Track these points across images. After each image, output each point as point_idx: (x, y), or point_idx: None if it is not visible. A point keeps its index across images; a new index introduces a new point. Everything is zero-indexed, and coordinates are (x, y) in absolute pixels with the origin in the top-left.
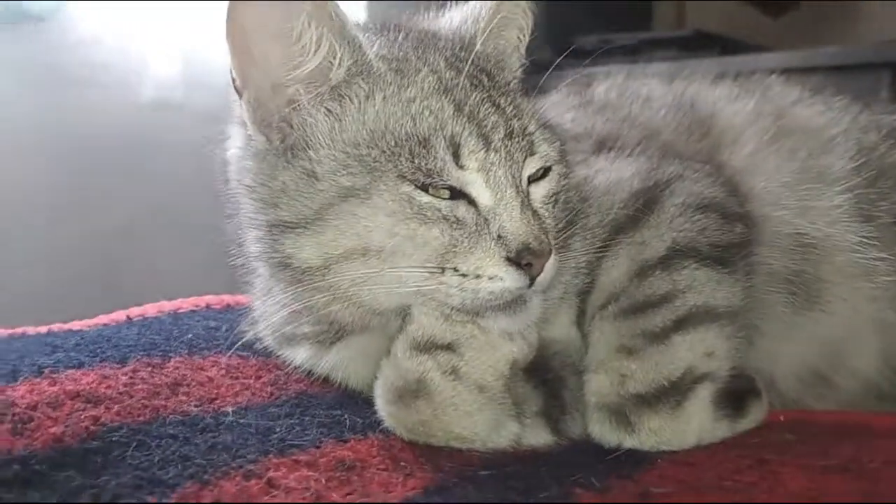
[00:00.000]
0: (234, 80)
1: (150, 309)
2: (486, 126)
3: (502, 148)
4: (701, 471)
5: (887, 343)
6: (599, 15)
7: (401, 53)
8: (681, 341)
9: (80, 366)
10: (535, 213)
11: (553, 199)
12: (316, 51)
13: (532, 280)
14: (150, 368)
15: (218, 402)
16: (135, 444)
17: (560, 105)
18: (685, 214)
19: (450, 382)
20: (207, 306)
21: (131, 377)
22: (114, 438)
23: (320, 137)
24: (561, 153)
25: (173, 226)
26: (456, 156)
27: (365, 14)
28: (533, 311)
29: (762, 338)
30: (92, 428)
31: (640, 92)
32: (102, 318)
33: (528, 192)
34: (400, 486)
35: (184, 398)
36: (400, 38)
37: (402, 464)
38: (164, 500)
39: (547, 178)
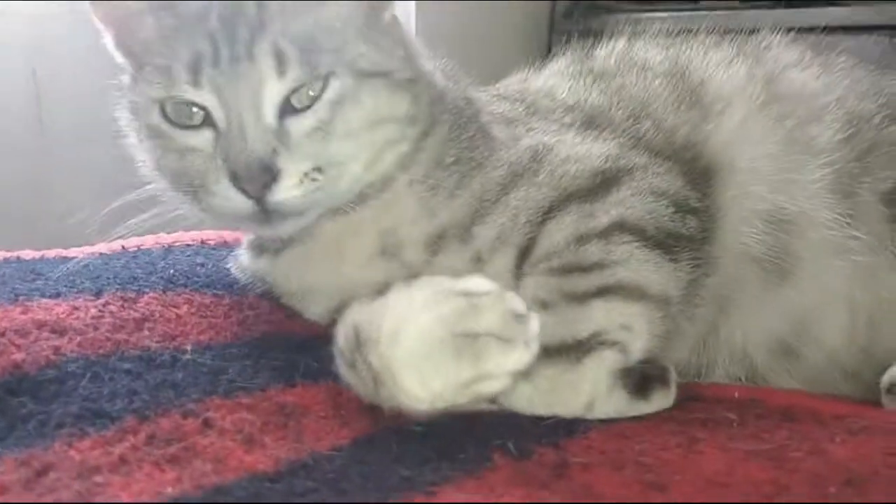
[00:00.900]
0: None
1: (148, 241)
2: (218, 46)
3: (230, 69)
4: (629, 443)
5: (854, 321)
6: None
7: None
8: (599, 306)
9: (57, 296)
10: (264, 137)
11: (319, 131)
12: None
13: (259, 200)
14: (121, 302)
15: (180, 339)
16: (89, 375)
17: (563, 73)
18: (637, 195)
19: None
20: (202, 242)
21: (101, 310)
22: (70, 369)
23: (129, 57)
24: (363, 75)
25: None
26: (195, 72)
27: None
28: (286, 226)
29: (737, 309)
30: (52, 357)
31: (637, 59)
32: (101, 247)
33: (278, 115)
34: (332, 434)
35: (147, 334)
36: None
37: (343, 413)
38: (101, 431)
39: (311, 110)
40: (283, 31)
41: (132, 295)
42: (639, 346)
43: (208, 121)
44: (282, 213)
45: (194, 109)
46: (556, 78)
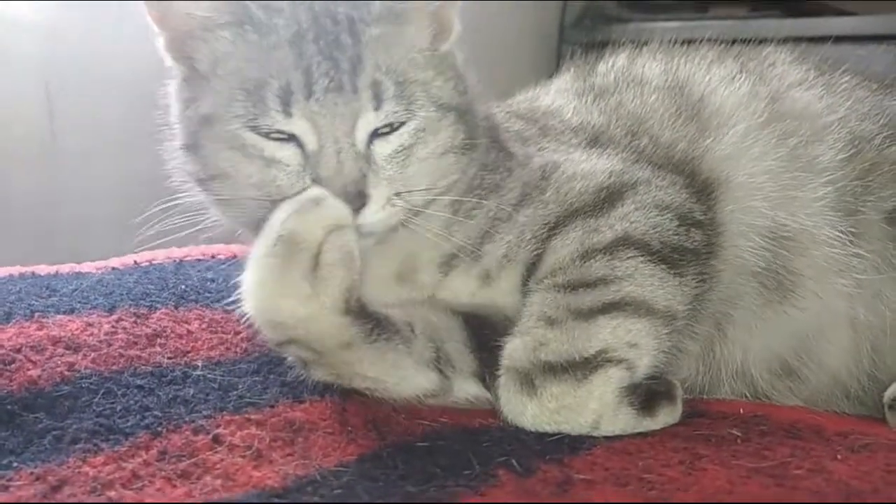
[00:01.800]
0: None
1: (160, 255)
2: (313, 77)
3: (326, 100)
4: (633, 460)
5: (858, 342)
6: None
7: (278, 6)
8: (605, 323)
9: (71, 311)
10: (357, 164)
11: (402, 154)
12: (203, 4)
13: None
14: (134, 318)
15: (191, 355)
16: (103, 391)
17: (568, 91)
18: (642, 210)
19: (317, 356)
20: (213, 256)
21: (114, 326)
22: (84, 385)
23: (198, 71)
24: (440, 107)
25: None
26: (286, 104)
27: None
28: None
29: (734, 327)
30: (66, 373)
31: (636, 74)
32: (113, 261)
33: (369, 144)
34: (339, 451)
35: (159, 350)
36: None
37: (349, 429)
38: (115, 447)
39: (395, 134)
40: (379, 63)
41: (144, 311)
42: (645, 362)
43: (295, 139)
44: (361, 234)
45: None
46: (561, 97)
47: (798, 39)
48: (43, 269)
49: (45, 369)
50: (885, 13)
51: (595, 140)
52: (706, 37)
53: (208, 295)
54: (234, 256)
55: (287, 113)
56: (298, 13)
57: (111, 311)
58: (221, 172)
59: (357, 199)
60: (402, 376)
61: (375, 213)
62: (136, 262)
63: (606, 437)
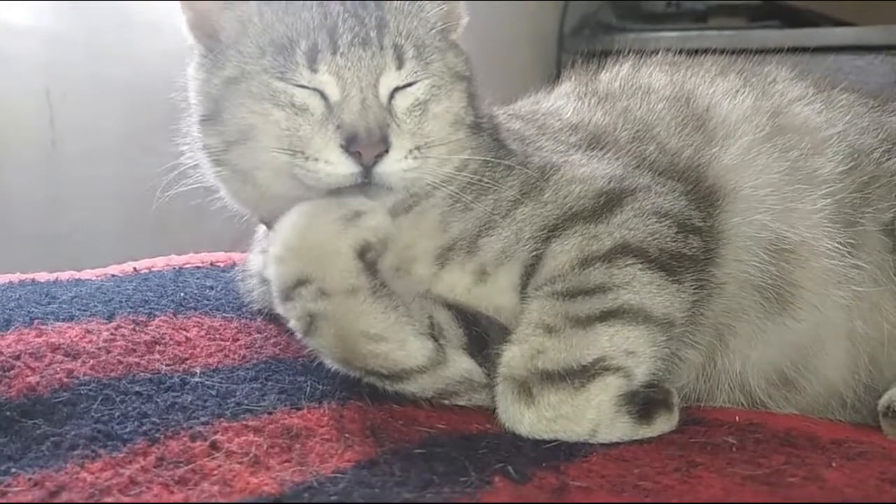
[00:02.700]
0: None
1: (159, 262)
2: (338, 33)
3: (350, 54)
4: (629, 468)
5: (855, 354)
6: None
7: None
8: (603, 331)
9: (70, 319)
10: (380, 112)
11: (419, 107)
12: None
13: (367, 170)
14: (133, 325)
15: (189, 362)
16: (101, 398)
17: (570, 95)
18: (640, 217)
19: (325, 301)
20: (212, 264)
21: (113, 333)
22: (83, 391)
23: (222, 40)
24: (453, 74)
25: None
26: (312, 60)
27: None
28: (378, 197)
29: (735, 338)
30: (65, 380)
31: (642, 83)
32: (112, 269)
33: (390, 99)
34: (336, 457)
35: (157, 357)
36: None
37: (347, 435)
38: (113, 453)
39: (414, 87)
40: (400, 29)
41: (143, 318)
42: (643, 370)
43: (320, 93)
44: (381, 186)
45: None
46: (562, 100)
47: (797, 50)
48: (43, 276)
49: (43, 376)
50: (883, 24)
51: (596, 140)
52: (706, 47)
53: (207, 302)
54: (234, 264)
55: (313, 69)
56: None
57: (110, 318)
58: (245, 129)
59: (381, 143)
60: (403, 339)
61: (398, 162)
62: (135, 269)
63: (603, 444)
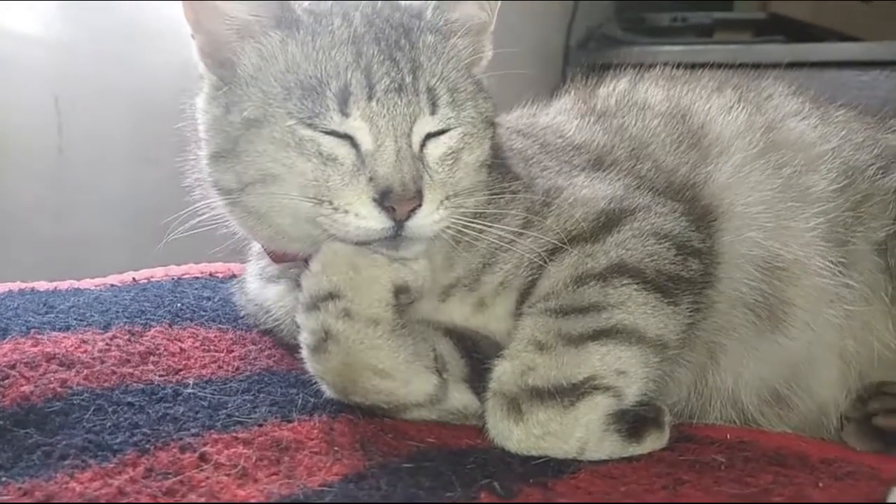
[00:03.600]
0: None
1: (158, 272)
2: (374, 78)
3: (386, 100)
4: (616, 485)
5: (846, 372)
6: None
7: (325, 8)
8: (595, 350)
9: (66, 328)
10: (415, 163)
11: (452, 157)
12: (243, 5)
13: (399, 224)
14: (128, 336)
15: (183, 373)
16: (94, 408)
17: (570, 111)
18: (639, 237)
19: (346, 323)
20: (211, 274)
21: (108, 343)
22: (76, 401)
23: (240, 75)
24: (483, 121)
25: None
26: (343, 103)
27: None
28: (408, 249)
29: (726, 355)
30: (59, 390)
31: (638, 99)
32: (112, 278)
33: (422, 147)
34: (324, 470)
35: (151, 367)
36: None
37: (336, 448)
38: (102, 463)
39: (446, 135)
40: (434, 70)
41: (139, 328)
42: (634, 390)
43: (349, 139)
44: (412, 238)
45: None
46: (562, 116)
47: (802, 65)
48: (42, 286)
49: (37, 385)
50: (888, 39)
51: (599, 161)
52: (711, 61)
53: (203, 313)
54: (234, 276)
55: (345, 113)
56: (351, 15)
57: (106, 328)
58: (267, 175)
59: (417, 198)
60: (408, 379)
61: (429, 215)
62: (134, 279)
63: (592, 461)
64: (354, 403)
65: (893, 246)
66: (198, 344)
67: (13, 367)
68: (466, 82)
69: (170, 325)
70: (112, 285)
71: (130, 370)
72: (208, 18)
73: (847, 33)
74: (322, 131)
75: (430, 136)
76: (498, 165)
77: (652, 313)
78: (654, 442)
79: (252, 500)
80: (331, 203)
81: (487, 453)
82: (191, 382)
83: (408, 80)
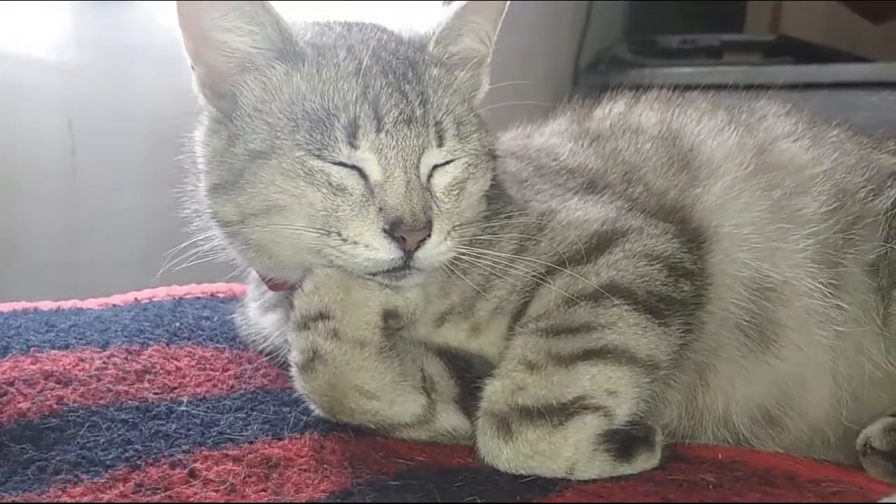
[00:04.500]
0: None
1: (160, 292)
2: (383, 110)
3: (396, 132)
4: None
5: (838, 393)
6: (689, 13)
7: (328, 41)
8: (585, 370)
9: (66, 347)
10: (423, 194)
11: (457, 187)
12: (245, 38)
13: (408, 255)
14: (126, 354)
15: (178, 391)
16: (88, 424)
17: (564, 133)
18: (630, 258)
19: (334, 343)
20: (212, 294)
21: (105, 362)
22: (71, 418)
23: (242, 108)
24: (486, 153)
25: None
26: (352, 136)
27: None
28: (410, 280)
29: (716, 376)
30: (55, 407)
31: (632, 122)
32: (115, 298)
33: (428, 178)
34: (312, 487)
35: (147, 385)
36: (338, 29)
37: (325, 466)
38: (94, 478)
39: (452, 165)
40: (440, 103)
41: (136, 347)
42: (624, 410)
43: (358, 170)
44: (418, 268)
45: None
46: (556, 138)
47: (811, 86)
48: (46, 305)
49: (34, 402)
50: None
51: (592, 185)
52: (720, 83)
53: (201, 332)
54: (234, 296)
55: (353, 145)
56: (356, 48)
57: (104, 346)
58: (272, 206)
59: (426, 228)
60: (394, 400)
61: (438, 245)
62: (136, 298)
63: (580, 480)
64: (343, 422)
65: (885, 267)
66: (194, 362)
67: (11, 384)
68: (470, 115)
69: (167, 344)
70: (114, 305)
71: (126, 388)
72: (209, 50)
73: (857, 54)
74: (331, 162)
75: (436, 166)
76: (492, 187)
77: (643, 334)
78: (644, 462)
79: None
80: (339, 234)
81: (477, 472)
82: (185, 400)
83: (418, 112)
